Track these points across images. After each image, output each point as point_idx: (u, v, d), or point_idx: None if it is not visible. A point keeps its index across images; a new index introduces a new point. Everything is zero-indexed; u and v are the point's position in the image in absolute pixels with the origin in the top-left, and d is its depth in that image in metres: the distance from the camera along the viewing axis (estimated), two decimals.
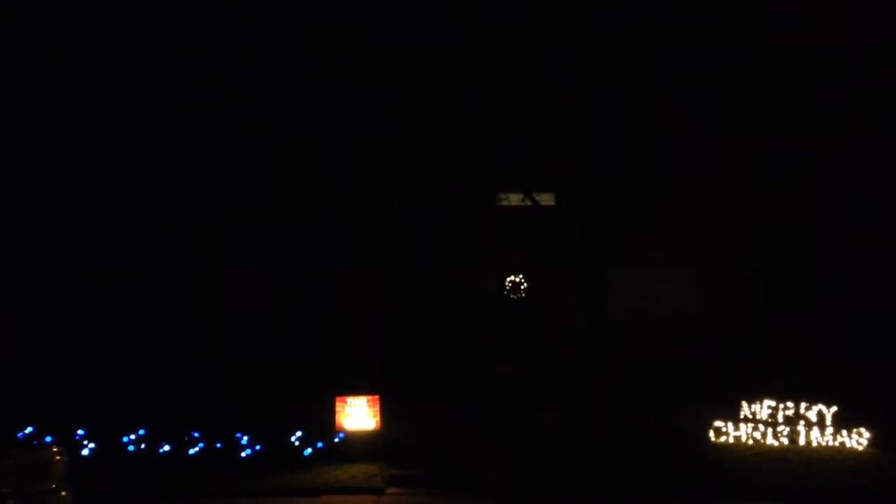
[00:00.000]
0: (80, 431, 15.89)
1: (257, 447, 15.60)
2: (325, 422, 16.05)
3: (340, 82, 18.51)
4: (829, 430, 16.23)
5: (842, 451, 15.86)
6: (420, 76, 17.97)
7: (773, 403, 16.63)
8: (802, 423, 16.39)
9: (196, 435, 15.84)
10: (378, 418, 16.14)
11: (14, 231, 19.84)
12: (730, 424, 16.50)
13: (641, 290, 20.37)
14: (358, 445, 15.72)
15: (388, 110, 18.39)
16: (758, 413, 16.67)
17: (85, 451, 15.45)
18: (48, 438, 15.20)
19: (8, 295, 20.15)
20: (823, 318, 19.30)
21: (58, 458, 10.44)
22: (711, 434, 16.43)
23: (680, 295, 20.45)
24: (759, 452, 15.78)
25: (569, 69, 17.25)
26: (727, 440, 16.36)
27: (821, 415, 16.37)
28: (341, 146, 19.33)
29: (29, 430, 15.74)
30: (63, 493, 10.31)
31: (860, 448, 15.97)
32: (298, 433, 15.90)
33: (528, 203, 19.21)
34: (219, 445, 15.64)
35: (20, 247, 19.89)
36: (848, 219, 19.61)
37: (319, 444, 15.69)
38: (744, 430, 16.46)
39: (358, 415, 16.08)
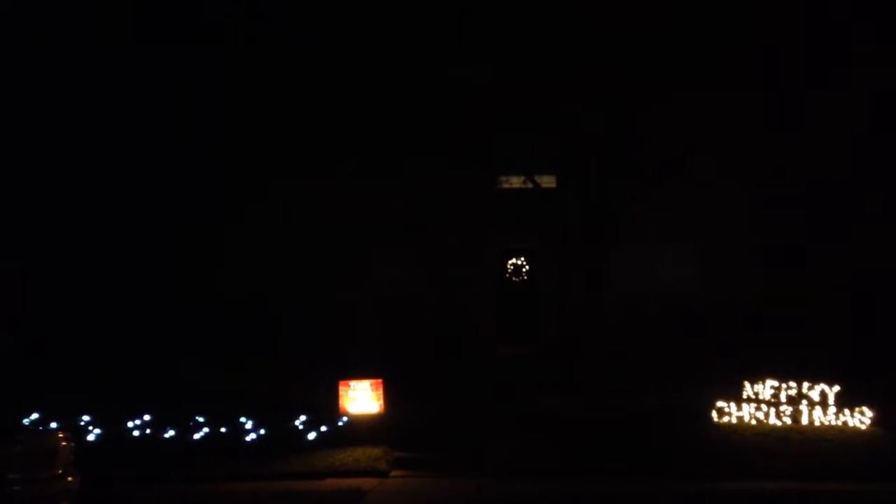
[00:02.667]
0: (85, 417, 15.95)
1: (262, 431, 15.66)
2: (328, 405, 16.09)
3: (342, 63, 18.41)
4: (832, 409, 16.22)
5: (844, 431, 15.88)
6: (422, 59, 17.90)
7: (776, 383, 16.62)
8: (805, 402, 16.38)
9: (201, 420, 15.90)
10: (382, 402, 16.19)
11: (16, 213, 19.81)
12: (732, 405, 16.50)
13: (642, 270, 20.34)
14: (362, 429, 15.78)
15: (389, 94, 18.33)
16: (760, 393, 16.67)
17: (90, 437, 15.52)
18: (53, 424, 15.26)
19: (10, 278, 20.13)
20: (825, 297, 19.26)
21: (63, 443, 10.48)
22: (714, 414, 16.44)
23: (681, 274, 20.42)
24: (761, 432, 15.81)
25: (569, 52, 17.18)
26: (730, 420, 16.37)
27: (823, 394, 16.36)
28: (342, 130, 19.25)
29: (34, 415, 15.80)
30: (69, 479, 10.35)
31: (863, 427, 15.98)
32: (302, 417, 15.94)
33: (530, 185, 19.18)
34: (223, 430, 15.71)
35: (22, 229, 19.87)
36: (849, 196, 19.54)
37: (324, 428, 15.75)
38: (746, 411, 16.47)
39: (361, 398, 16.13)
